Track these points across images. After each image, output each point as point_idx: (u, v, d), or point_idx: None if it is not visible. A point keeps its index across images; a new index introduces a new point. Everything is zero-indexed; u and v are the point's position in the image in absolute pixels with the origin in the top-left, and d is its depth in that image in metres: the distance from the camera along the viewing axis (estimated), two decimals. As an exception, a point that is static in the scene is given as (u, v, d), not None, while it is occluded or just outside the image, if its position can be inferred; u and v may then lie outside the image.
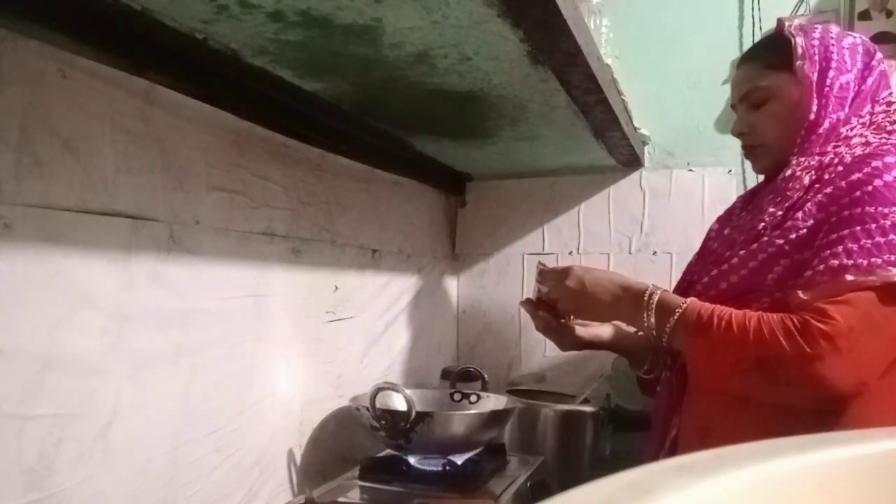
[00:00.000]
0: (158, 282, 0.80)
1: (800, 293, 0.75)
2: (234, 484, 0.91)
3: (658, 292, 0.84)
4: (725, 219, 1.00)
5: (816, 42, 0.86)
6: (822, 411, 0.73)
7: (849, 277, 0.72)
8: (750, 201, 0.96)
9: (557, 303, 0.95)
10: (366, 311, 1.26)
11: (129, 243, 0.76)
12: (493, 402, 1.18)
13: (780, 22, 0.91)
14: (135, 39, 0.71)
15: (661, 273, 1.45)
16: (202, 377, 0.86)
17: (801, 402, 0.73)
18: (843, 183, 0.77)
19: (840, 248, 0.73)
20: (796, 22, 0.92)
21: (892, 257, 0.71)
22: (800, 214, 0.79)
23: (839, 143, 0.83)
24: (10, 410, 0.63)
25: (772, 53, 0.89)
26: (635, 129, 1.35)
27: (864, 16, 1.35)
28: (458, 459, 1.00)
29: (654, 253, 1.47)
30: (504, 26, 0.71)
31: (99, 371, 0.71)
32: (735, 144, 1.42)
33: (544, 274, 0.96)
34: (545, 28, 0.72)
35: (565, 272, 0.92)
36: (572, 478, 1.19)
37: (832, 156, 0.82)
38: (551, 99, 0.98)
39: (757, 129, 0.91)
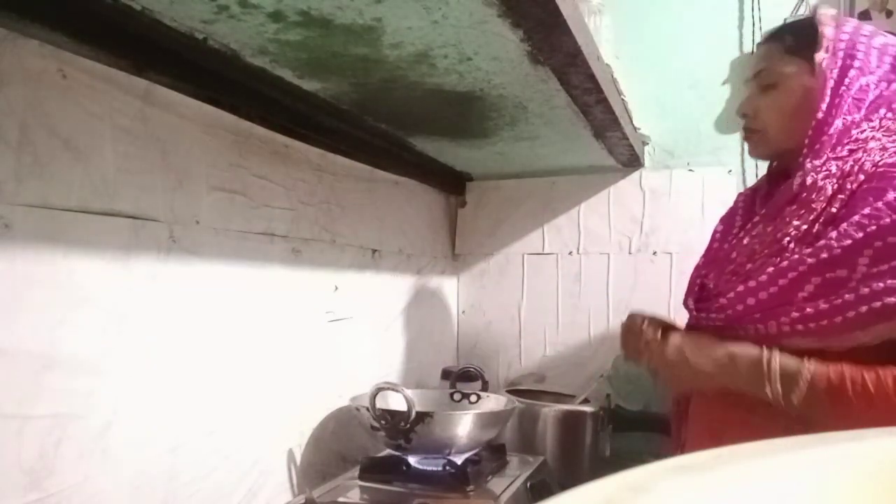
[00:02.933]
0: (158, 282, 0.80)
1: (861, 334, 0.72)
2: (234, 484, 0.91)
3: (776, 358, 0.76)
4: (729, 219, 0.97)
5: (846, 37, 0.82)
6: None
7: None
8: (758, 203, 0.92)
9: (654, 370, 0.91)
10: (366, 311, 1.26)
11: (129, 243, 0.76)
12: (493, 402, 1.18)
13: (815, 8, 0.88)
14: (135, 39, 0.71)
15: (660, 273, 1.45)
16: (202, 377, 0.86)
17: None
18: (880, 203, 0.72)
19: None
20: (832, 11, 0.86)
21: None
22: (834, 234, 0.75)
23: (856, 149, 0.79)
24: (10, 410, 0.63)
25: (795, 37, 0.85)
26: (635, 129, 1.35)
27: (864, 16, 1.35)
28: (458, 459, 1.00)
29: (654, 253, 1.47)
30: (504, 26, 0.71)
31: (99, 371, 0.72)
32: (735, 144, 1.44)
33: (635, 339, 0.90)
34: (545, 28, 0.72)
35: (663, 341, 0.86)
36: (572, 478, 1.20)
37: (851, 163, 0.78)
38: (551, 99, 0.98)
39: (760, 115, 0.87)
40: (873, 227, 0.72)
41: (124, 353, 0.75)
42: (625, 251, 1.50)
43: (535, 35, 0.74)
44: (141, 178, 0.78)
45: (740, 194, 1.01)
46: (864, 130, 0.80)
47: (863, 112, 0.81)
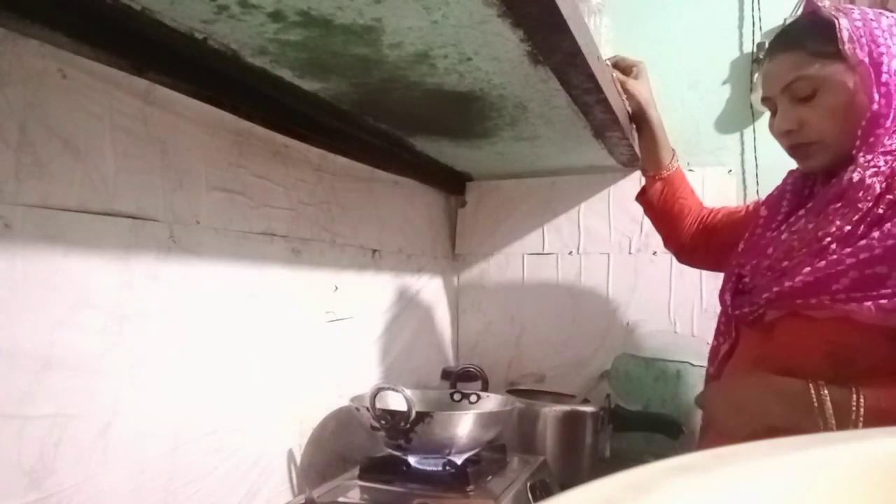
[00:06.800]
0: (158, 282, 0.80)
1: None
2: (234, 484, 0.91)
3: (824, 390, 0.72)
4: (775, 203, 0.92)
5: (860, 24, 0.77)
6: None
7: None
8: (807, 197, 0.88)
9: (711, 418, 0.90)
10: (366, 311, 1.26)
11: (129, 243, 0.76)
12: (493, 402, 1.18)
13: (811, 2, 0.82)
14: (135, 39, 0.71)
15: (661, 273, 1.45)
16: (202, 377, 0.86)
17: None
18: None
19: None
20: (826, 2, 0.81)
21: None
22: (877, 234, 0.72)
23: None
24: (10, 410, 0.63)
25: (817, 40, 0.79)
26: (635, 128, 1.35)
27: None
28: (458, 459, 1.00)
29: (654, 253, 1.47)
30: (504, 26, 0.71)
31: (99, 371, 0.71)
32: (735, 144, 1.44)
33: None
34: (545, 28, 0.72)
35: (713, 392, 0.88)
36: (572, 478, 1.20)
37: None
38: (551, 99, 0.98)
39: (810, 125, 0.81)
40: None
41: (124, 353, 0.75)
42: (625, 251, 1.50)
43: (535, 35, 0.74)
44: (141, 178, 0.78)
45: (790, 173, 0.94)
46: None
47: None
